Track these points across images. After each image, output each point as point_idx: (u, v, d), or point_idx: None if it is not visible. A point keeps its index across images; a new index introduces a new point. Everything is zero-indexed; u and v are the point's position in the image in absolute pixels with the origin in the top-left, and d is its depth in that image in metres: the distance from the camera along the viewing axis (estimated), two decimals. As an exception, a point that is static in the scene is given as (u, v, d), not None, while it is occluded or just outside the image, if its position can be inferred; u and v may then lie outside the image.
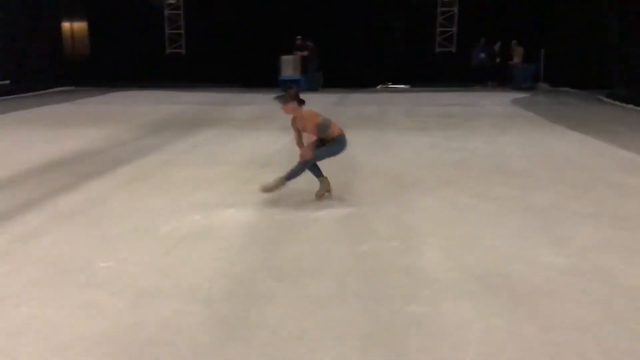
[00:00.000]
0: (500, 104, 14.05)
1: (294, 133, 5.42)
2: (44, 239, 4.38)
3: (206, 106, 13.67)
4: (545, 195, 5.60)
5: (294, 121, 5.36)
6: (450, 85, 18.55)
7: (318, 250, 4.16)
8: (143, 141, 8.70)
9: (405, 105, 14.05)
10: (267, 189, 5.32)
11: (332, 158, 5.43)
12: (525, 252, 4.09)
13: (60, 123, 10.70)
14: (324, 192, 5.45)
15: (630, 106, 13.18)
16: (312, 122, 5.18)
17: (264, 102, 14.14)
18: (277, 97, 5.29)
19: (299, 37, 17.69)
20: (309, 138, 5.32)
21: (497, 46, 18.95)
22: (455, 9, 19.82)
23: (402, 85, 19.67)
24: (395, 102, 14.86)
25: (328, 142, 5.30)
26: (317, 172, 5.45)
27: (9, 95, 15.74)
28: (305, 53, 17.61)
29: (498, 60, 19.04)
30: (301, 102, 5.26)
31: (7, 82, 16.71)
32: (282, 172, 5.42)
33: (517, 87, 18.02)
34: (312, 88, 17.75)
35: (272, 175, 6.27)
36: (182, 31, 20.24)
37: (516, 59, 18.71)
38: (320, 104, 14.02)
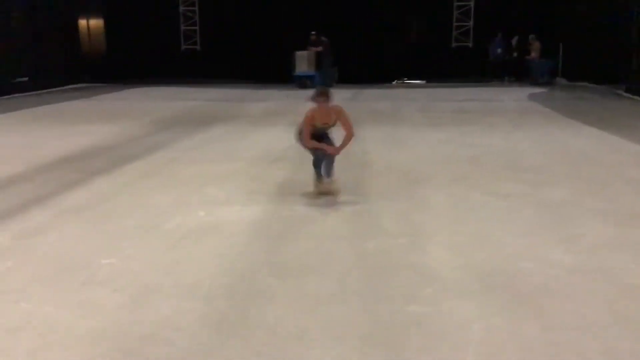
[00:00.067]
0: (516, 100, 13.85)
1: (306, 129, 5.22)
2: (49, 235, 4.39)
3: (219, 102, 13.67)
4: (558, 191, 5.48)
5: (321, 117, 5.22)
6: (466, 80, 18.33)
7: (323, 248, 4.11)
8: (154, 138, 8.71)
9: (421, 100, 13.91)
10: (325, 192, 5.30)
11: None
12: (534, 249, 3.99)
13: (73, 120, 10.77)
14: (318, 193, 5.36)
15: (651, 101, 12.91)
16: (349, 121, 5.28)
17: (277, 99, 14.13)
18: (321, 94, 5.18)
19: (313, 32, 17.59)
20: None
21: (514, 41, 18.67)
22: (472, 3, 19.57)
23: (418, 81, 19.49)
24: (410, 97, 14.73)
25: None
26: (319, 171, 5.39)
27: (27, 91, 15.90)
28: (319, 49, 17.50)
29: (515, 55, 18.76)
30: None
31: (26, 79, 16.87)
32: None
33: (535, 82, 17.75)
34: (326, 84, 17.57)
35: (281, 171, 6.27)
36: (197, 27, 20.26)
37: (533, 54, 18.41)
38: (334, 99, 13.98)
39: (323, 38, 17.65)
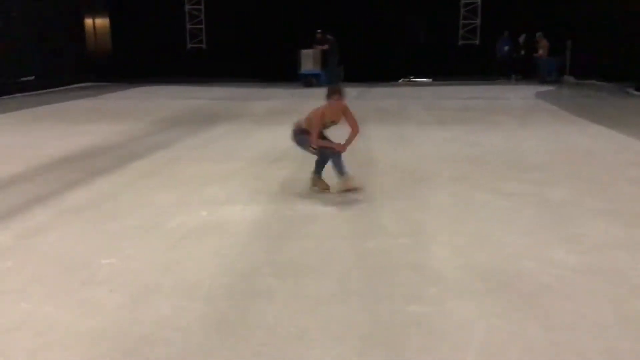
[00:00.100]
0: (523, 98, 13.77)
1: (316, 127, 5.18)
2: (50, 234, 4.39)
3: (224, 101, 13.67)
4: (561, 191, 5.43)
5: (331, 115, 5.22)
6: (473, 78, 18.25)
7: (323, 247, 4.09)
8: (157, 137, 8.71)
9: (426, 98, 13.86)
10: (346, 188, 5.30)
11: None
12: (536, 249, 3.95)
13: (76, 119, 10.80)
14: (321, 189, 5.38)
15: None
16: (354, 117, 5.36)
17: (282, 97, 14.12)
18: (335, 92, 5.20)
19: (319, 30, 17.56)
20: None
21: (521, 38, 18.57)
22: (479, 1, 19.47)
23: (425, 79, 19.42)
24: (416, 95, 14.67)
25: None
26: (320, 170, 5.38)
27: (34, 91, 15.97)
28: (325, 47, 17.47)
29: (522, 52, 18.66)
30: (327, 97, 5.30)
31: (32, 78, 16.95)
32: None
33: (542, 80, 17.64)
34: (332, 82, 17.57)
35: (283, 171, 6.24)
36: (202, 26, 20.28)
37: (541, 52, 18.29)
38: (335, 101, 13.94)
39: (329, 36, 17.62)
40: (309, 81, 16.56)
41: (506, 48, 18.72)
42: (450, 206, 5.05)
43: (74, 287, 3.44)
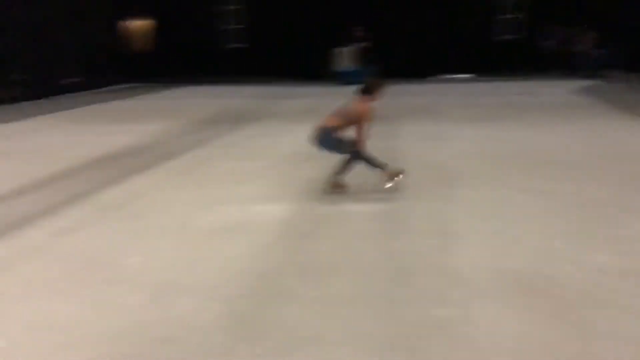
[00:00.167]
0: (565, 93, 13.33)
1: (367, 126, 5.09)
2: (80, 233, 4.45)
3: (261, 100, 13.71)
4: (601, 190, 5.21)
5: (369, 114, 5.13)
6: (514, 74, 17.81)
7: (349, 247, 4.02)
8: (193, 135, 8.79)
9: (464, 95, 13.58)
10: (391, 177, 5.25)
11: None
12: (572, 251, 3.79)
13: (117, 119, 10.99)
14: (332, 188, 5.28)
15: None
16: None
17: (317, 95, 14.07)
18: (380, 89, 5.18)
19: (356, 28, 17.45)
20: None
21: (566, 32, 18.01)
22: (521, -6, 18.98)
23: (464, 75, 19.05)
24: (454, 92, 14.40)
25: None
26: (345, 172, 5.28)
27: (78, 92, 16.38)
28: (363, 44, 17.34)
29: (567, 46, 18.09)
30: (361, 93, 5.21)
31: (76, 79, 17.38)
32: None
33: (587, 75, 17.07)
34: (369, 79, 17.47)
35: (312, 170, 6.18)
36: (244, 26, 20.42)
37: (586, 45, 17.70)
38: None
39: (366, 33, 17.48)
40: (347, 79, 16.45)
41: (549, 42, 18.20)
42: (482, 206, 4.90)
43: (98, 285, 3.48)
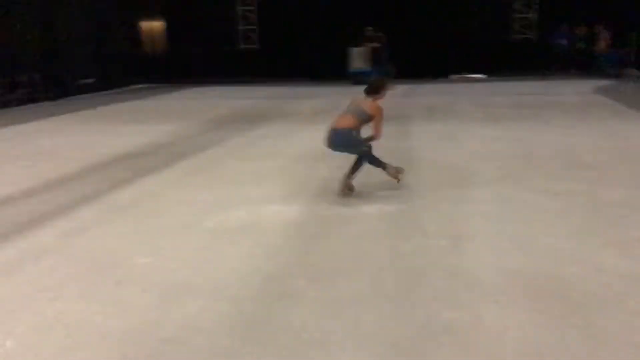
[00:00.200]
0: (580, 93, 13.18)
1: (381, 123, 5.21)
2: (92, 233, 4.48)
3: (273, 100, 13.73)
4: (615, 191, 5.14)
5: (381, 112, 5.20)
6: (528, 74, 17.65)
7: (359, 248, 4.00)
8: (205, 136, 8.81)
9: (478, 95, 13.49)
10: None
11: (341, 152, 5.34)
12: (584, 254, 3.74)
13: (130, 119, 11.06)
14: (345, 189, 5.23)
15: None
16: None
17: (328, 96, 14.05)
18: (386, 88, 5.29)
19: (369, 28, 17.39)
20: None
21: (580, 31, 17.81)
22: (535, -7, 18.81)
23: (478, 75, 18.92)
24: (468, 92, 14.30)
25: None
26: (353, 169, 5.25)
27: (93, 92, 16.52)
28: (375, 44, 17.29)
29: (581, 46, 17.89)
30: (367, 93, 5.32)
31: (91, 80, 17.54)
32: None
33: (603, 74, 16.87)
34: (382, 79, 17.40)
35: (324, 170, 6.17)
36: (255, 27, 20.47)
37: (602, 44, 17.49)
38: (388, 95, 13.70)
39: (379, 33, 17.42)
40: (358, 79, 16.40)
41: (564, 41, 18.02)
42: (494, 207, 4.85)
43: (108, 286, 3.49)
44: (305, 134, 8.59)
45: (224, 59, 20.02)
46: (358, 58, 17.10)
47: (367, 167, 5.26)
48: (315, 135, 8.49)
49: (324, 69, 18.42)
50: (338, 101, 12.67)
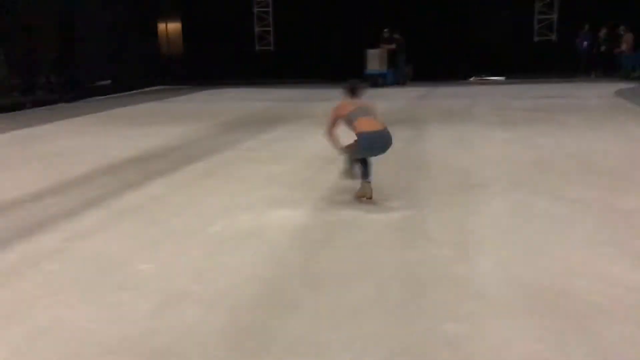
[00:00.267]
0: (601, 96, 12.93)
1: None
2: (96, 237, 4.46)
3: (287, 103, 13.70)
4: (632, 199, 4.99)
5: None
6: (549, 76, 17.39)
7: (363, 257, 3.92)
8: (217, 139, 8.80)
9: (495, 98, 13.30)
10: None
11: (380, 155, 5.12)
12: (593, 264, 3.61)
13: (145, 121, 11.10)
14: (361, 196, 5.10)
15: None
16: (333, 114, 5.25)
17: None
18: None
19: (386, 29, 17.29)
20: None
21: (602, 33, 17.50)
22: (556, -6, 18.54)
23: (498, 77, 18.69)
24: (485, 94, 14.11)
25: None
26: (362, 173, 5.12)
27: (109, 94, 16.66)
28: (392, 46, 17.18)
29: (603, 48, 17.57)
30: (352, 94, 5.30)
31: (108, 82, 17.70)
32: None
33: (625, 77, 16.55)
34: (399, 82, 17.30)
35: (334, 174, 6.10)
36: (270, 28, 20.49)
37: (624, 46, 17.16)
38: (404, 97, 13.63)
39: (396, 35, 17.31)
40: (375, 81, 16.31)
41: (585, 43, 17.72)
42: (504, 214, 4.74)
43: (107, 292, 3.46)
44: (317, 137, 8.51)
45: (239, 61, 20.08)
46: (374, 60, 17.00)
47: (375, 173, 5.18)
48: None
49: (340, 70, 18.36)
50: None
